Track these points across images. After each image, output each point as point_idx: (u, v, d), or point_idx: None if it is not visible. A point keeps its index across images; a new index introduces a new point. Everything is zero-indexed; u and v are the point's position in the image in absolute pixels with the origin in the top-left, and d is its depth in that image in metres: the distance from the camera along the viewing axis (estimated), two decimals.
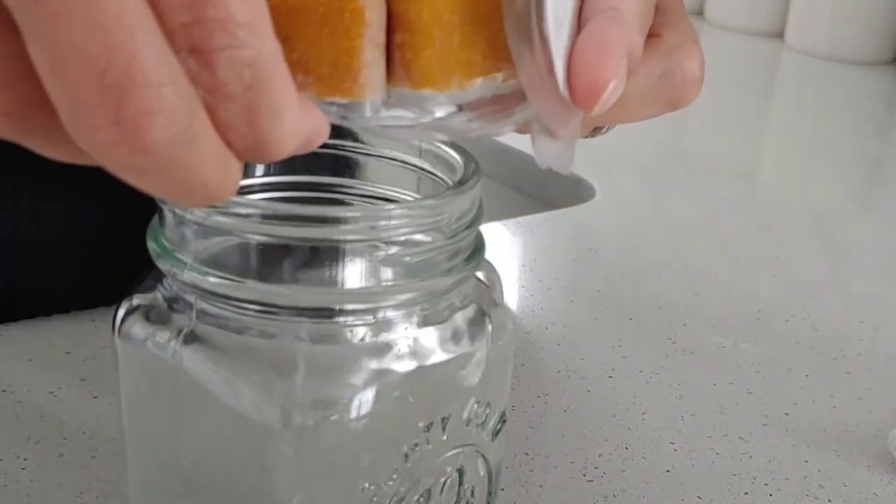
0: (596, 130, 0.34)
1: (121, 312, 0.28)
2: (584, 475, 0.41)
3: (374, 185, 0.31)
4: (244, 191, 0.30)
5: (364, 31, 0.23)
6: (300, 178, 0.31)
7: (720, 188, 0.83)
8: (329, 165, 0.31)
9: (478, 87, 0.24)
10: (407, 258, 0.26)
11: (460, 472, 0.29)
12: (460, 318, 0.28)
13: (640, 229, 0.70)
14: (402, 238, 0.26)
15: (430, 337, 0.27)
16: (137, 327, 0.27)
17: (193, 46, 0.19)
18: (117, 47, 0.18)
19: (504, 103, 0.25)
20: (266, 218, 0.25)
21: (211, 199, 0.21)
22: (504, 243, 0.65)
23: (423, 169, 0.30)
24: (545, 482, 0.41)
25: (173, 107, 0.19)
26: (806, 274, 0.65)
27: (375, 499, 0.27)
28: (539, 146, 0.26)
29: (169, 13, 0.19)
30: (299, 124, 0.22)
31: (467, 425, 0.28)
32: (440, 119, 0.24)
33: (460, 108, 0.25)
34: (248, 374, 0.26)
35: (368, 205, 0.31)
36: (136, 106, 0.19)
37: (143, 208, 0.28)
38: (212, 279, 0.25)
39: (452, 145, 0.29)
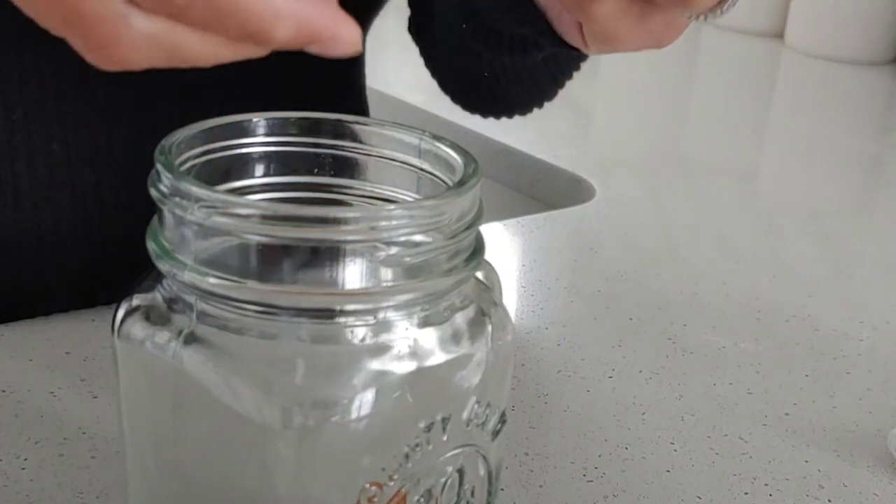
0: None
1: (120, 313, 0.28)
2: (584, 475, 0.41)
3: (374, 186, 0.31)
4: (244, 191, 0.30)
5: None
6: (300, 178, 0.31)
7: (720, 188, 0.83)
8: (329, 166, 0.31)
9: None
10: (407, 259, 0.26)
11: (460, 473, 0.29)
12: (460, 319, 0.28)
13: (640, 229, 0.70)
14: (403, 238, 0.26)
15: (430, 337, 0.27)
16: (137, 328, 0.27)
17: None
18: None
19: None
20: (266, 218, 0.25)
21: (243, 56, 0.25)
22: (504, 243, 0.65)
23: (422, 169, 0.30)
24: (545, 482, 0.41)
25: (129, 35, 0.23)
26: (806, 274, 0.65)
27: (376, 499, 0.27)
28: None
29: None
30: (285, 9, 0.24)
31: (467, 425, 0.28)
32: None
33: None
34: (248, 375, 0.26)
35: (368, 205, 0.31)
36: (96, 40, 0.23)
37: (144, 208, 0.28)
38: (212, 280, 0.25)
39: (452, 146, 0.29)
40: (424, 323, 0.27)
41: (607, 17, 0.35)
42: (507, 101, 0.57)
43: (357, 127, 0.31)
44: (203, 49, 0.25)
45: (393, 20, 0.60)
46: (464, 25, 0.48)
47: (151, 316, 0.27)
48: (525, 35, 0.44)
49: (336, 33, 0.26)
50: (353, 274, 0.27)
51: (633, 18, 0.35)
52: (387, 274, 0.27)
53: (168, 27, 0.24)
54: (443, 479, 0.28)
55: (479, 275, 0.30)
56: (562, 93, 0.54)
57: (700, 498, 0.41)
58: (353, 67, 0.57)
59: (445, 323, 0.27)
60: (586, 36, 0.39)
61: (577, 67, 0.53)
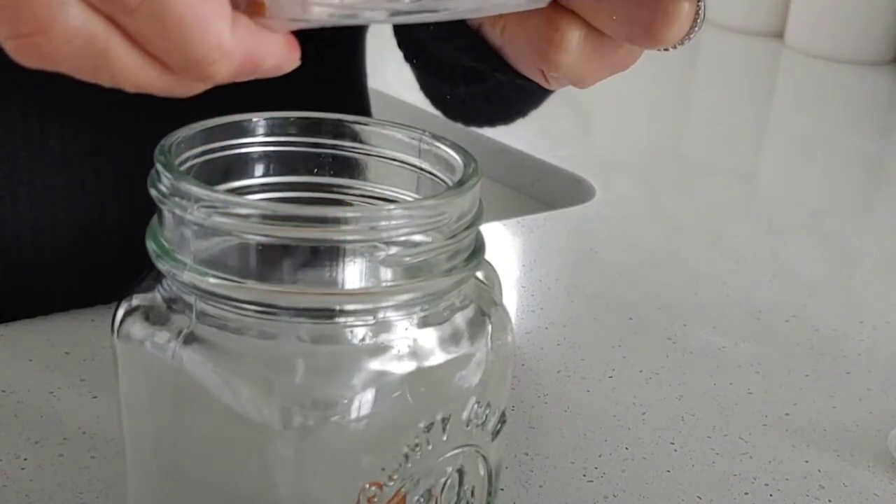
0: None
1: (120, 313, 0.28)
2: (584, 475, 0.41)
3: (374, 186, 0.31)
4: (244, 191, 0.30)
5: None
6: (300, 178, 0.31)
7: (720, 188, 0.83)
8: (329, 166, 0.31)
9: None
10: (407, 258, 0.26)
11: (460, 473, 0.29)
12: (460, 319, 0.28)
13: (640, 229, 0.70)
14: (402, 238, 0.26)
15: (429, 337, 0.27)
16: (136, 328, 0.27)
17: None
18: None
19: None
20: (266, 218, 0.25)
21: (173, 90, 0.24)
22: (504, 243, 0.65)
23: (422, 169, 0.30)
24: (545, 482, 0.41)
25: (66, 25, 0.22)
26: (806, 274, 0.65)
27: (376, 499, 0.27)
28: None
29: None
30: (229, 42, 0.23)
31: (467, 425, 0.28)
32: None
33: None
34: (247, 375, 0.26)
35: (368, 205, 0.31)
36: (28, 24, 0.22)
37: (143, 208, 0.28)
38: (211, 280, 0.25)
39: (452, 145, 0.29)
40: (424, 323, 0.27)
41: (572, 64, 0.33)
42: (483, 116, 0.55)
43: (357, 127, 0.31)
44: (135, 70, 0.23)
45: None
46: (414, 60, 0.46)
47: (151, 316, 0.27)
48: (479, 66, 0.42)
49: (278, 63, 0.25)
50: (352, 274, 0.27)
51: (598, 60, 0.34)
52: (387, 274, 0.27)
53: (107, 31, 0.22)
54: (443, 479, 0.28)
55: (479, 275, 0.30)
56: (562, 93, 0.54)
57: (700, 498, 0.41)
58: (354, 67, 0.57)
59: (445, 323, 0.27)
60: (549, 79, 0.37)
61: (548, 93, 0.49)
